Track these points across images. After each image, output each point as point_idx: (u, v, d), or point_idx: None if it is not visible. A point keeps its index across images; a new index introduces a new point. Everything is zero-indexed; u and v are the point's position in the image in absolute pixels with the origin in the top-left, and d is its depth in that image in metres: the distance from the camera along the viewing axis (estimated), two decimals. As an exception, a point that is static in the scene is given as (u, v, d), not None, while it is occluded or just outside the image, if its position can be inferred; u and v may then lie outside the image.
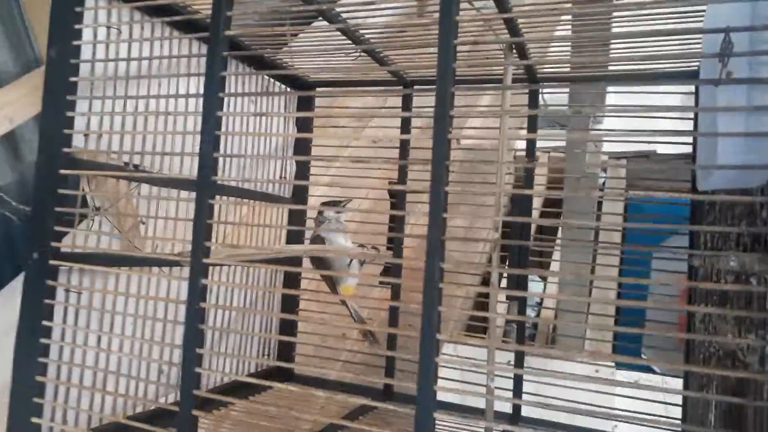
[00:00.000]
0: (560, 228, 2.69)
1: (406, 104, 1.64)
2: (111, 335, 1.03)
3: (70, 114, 1.03)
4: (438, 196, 0.77)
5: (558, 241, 2.52)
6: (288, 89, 1.68)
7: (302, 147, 1.72)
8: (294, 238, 1.61)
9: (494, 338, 1.27)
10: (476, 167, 2.58)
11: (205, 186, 0.89)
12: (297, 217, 1.68)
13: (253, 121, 1.55)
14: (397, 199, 1.63)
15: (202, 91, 0.91)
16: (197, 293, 0.89)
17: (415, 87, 1.63)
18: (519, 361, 1.53)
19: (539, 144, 3.05)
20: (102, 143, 1.12)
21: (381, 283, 1.66)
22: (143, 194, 1.18)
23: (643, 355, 2.54)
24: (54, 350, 1.00)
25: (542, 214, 2.60)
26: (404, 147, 1.64)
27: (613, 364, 2.34)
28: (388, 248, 1.64)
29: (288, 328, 1.69)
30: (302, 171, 1.72)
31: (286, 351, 1.70)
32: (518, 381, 1.53)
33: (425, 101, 1.69)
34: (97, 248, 1.07)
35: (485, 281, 2.56)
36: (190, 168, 1.30)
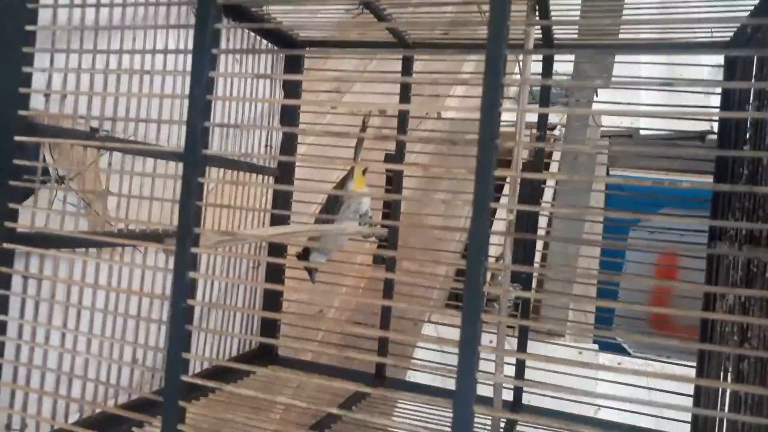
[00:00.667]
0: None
1: (407, 68, 1.48)
2: (77, 333, 0.88)
3: (27, 70, 0.87)
4: (485, 182, 0.64)
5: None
6: (275, 47, 1.51)
7: (290, 114, 1.55)
8: (280, 218, 1.46)
9: (502, 338, 1.17)
10: (458, 142, 2.45)
11: (195, 161, 0.74)
12: (283, 194, 1.53)
13: (237, 84, 1.39)
14: (394, 179, 1.47)
15: (184, 45, 0.76)
16: (185, 289, 0.74)
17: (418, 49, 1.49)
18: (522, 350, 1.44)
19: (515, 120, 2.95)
20: (66, 105, 0.95)
21: (374, 263, 1.53)
22: (114, 168, 1.02)
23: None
24: (10, 349, 0.85)
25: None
26: (403, 118, 1.50)
27: (596, 346, 2.30)
28: (383, 226, 1.50)
29: (271, 311, 1.56)
30: (289, 141, 1.56)
31: (269, 334, 1.57)
32: (520, 368, 1.45)
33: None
34: (60, 229, 0.91)
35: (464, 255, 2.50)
36: (167, 137, 1.14)
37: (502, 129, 0.64)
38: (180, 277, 0.74)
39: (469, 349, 0.64)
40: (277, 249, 1.52)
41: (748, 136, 1.14)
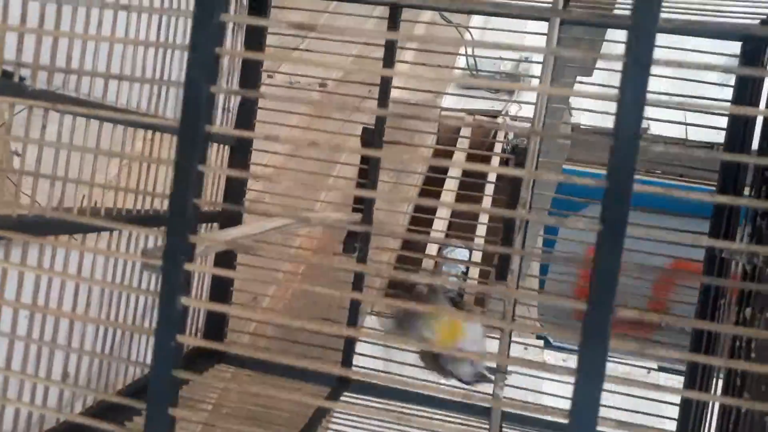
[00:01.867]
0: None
1: (393, 23, 1.27)
2: None
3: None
4: (622, 195, 0.47)
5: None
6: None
7: (252, 71, 1.31)
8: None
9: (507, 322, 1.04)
10: (401, 122, 2.30)
11: (195, 139, 0.53)
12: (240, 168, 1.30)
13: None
14: (369, 165, 1.26)
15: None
16: (174, 320, 0.53)
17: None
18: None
19: (465, 105, 2.83)
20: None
21: (344, 252, 1.34)
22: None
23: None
24: None
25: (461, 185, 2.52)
26: (385, 86, 1.29)
27: (541, 342, 2.27)
28: (354, 210, 1.31)
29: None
30: (249, 105, 1.32)
31: (216, 329, 1.36)
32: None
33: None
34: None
35: (405, 242, 2.44)
36: (117, 93, 0.89)
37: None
38: (168, 303, 0.53)
39: (590, 387, 0.47)
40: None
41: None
